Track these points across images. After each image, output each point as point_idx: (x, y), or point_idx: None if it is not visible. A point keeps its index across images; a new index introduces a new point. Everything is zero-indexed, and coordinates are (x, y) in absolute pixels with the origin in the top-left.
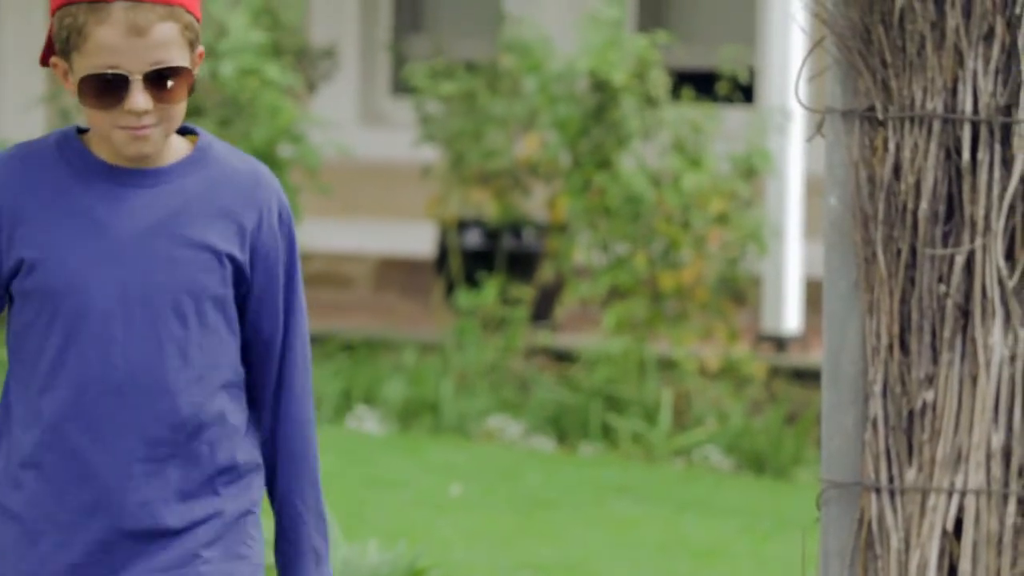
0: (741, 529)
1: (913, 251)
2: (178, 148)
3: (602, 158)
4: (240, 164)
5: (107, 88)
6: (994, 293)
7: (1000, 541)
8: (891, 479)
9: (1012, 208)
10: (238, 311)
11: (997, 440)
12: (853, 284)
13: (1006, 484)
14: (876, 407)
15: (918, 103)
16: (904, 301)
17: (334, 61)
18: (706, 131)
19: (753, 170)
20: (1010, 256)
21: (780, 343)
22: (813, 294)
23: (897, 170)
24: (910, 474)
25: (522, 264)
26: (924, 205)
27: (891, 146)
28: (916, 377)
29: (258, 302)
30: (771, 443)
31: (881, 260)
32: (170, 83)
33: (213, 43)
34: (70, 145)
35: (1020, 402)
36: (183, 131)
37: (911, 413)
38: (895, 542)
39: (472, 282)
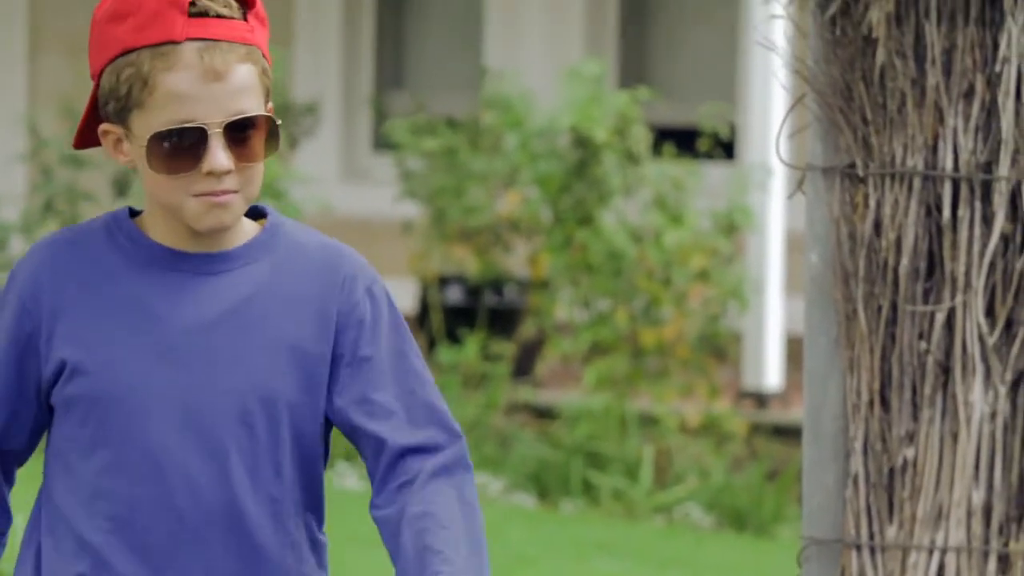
0: None
1: (894, 308)
2: (246, 230)
3: (583, 214)
4: (316, 242)
5: (181, 147)
6: (974, 350)
7: None
8: (872, 536)
9: (992, 265)
10: (338, 411)
11: (978, 497)
12: (834, 341)
13: (987, 541)
14: (857, 464)
15: (899, 160)
16: (885, 358)
17: (316, 117)
18: (687, 187)
19: (734, 226)
20: (990, 313)
21: (761, 400)
22: (794, 351)
23: (878, 227)
24: (891, 531)
25: (503, 320)
26: (905, 262)
27: (872, 203)
28: (897, 434)
29: (355, 399)
30: (752, 500)
31: (862, 317)
32: (254, 137)
33: None
34: (121, 228)
35: (1000, 459)
36: (251, 213)
37: (892, 470)
38: None
39: (453, 338)
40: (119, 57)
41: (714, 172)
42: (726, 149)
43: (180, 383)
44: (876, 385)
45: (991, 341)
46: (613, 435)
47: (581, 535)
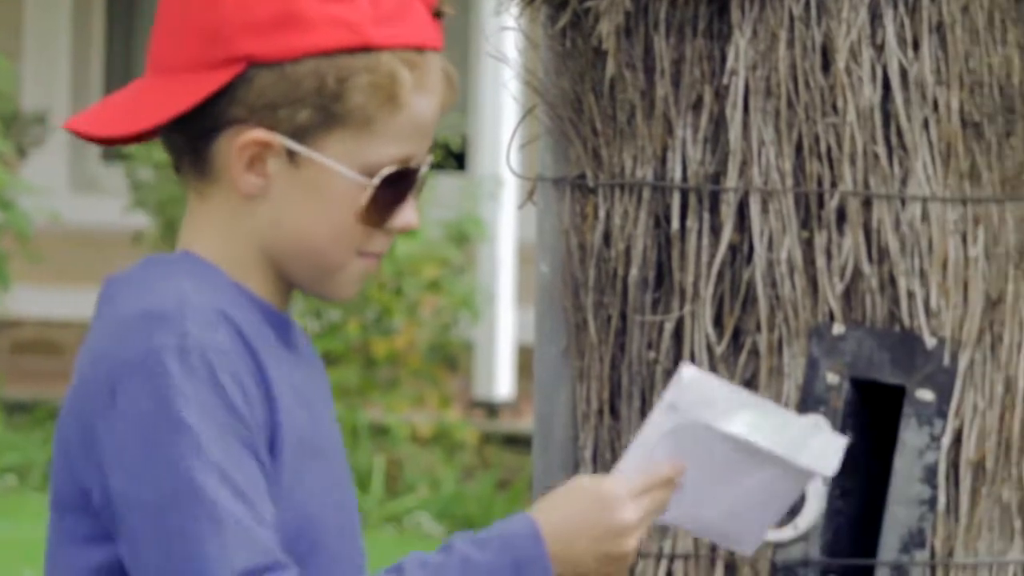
0: None
1: (623, 318)
2: None
3: None
4: None
5: (397, 193)
6: (703, 359)
7: None
8: None
9: (720, 275)
10: None
11: None
12: (564, 350)
13: (713, 548)
14: (586, 473)
15: (628, 171)
16: (614, 367)
17: (45, 127)
18: (419, 198)
19: (465, 237)
20: (718, 323)
21: (492, 409)
22: (525, 360)
23: (607, 237)
24: None
25: None
26: (634, 272)
27: (601, 213)
28: (626, 443)
29: None
30: (483, 509)
31: (591, 326)
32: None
33: None
34: (233, 285)
35: None
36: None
37: None
38: None
39: None
40: (346, 53)
41: (445, 183)
42: (457, 159)
43: (343, 508)
44: (605, 394)
45: (719, 350)
46: (344, 445)
47: None
